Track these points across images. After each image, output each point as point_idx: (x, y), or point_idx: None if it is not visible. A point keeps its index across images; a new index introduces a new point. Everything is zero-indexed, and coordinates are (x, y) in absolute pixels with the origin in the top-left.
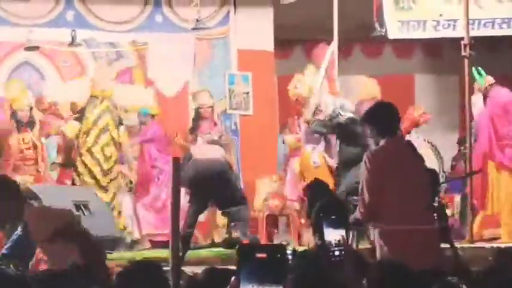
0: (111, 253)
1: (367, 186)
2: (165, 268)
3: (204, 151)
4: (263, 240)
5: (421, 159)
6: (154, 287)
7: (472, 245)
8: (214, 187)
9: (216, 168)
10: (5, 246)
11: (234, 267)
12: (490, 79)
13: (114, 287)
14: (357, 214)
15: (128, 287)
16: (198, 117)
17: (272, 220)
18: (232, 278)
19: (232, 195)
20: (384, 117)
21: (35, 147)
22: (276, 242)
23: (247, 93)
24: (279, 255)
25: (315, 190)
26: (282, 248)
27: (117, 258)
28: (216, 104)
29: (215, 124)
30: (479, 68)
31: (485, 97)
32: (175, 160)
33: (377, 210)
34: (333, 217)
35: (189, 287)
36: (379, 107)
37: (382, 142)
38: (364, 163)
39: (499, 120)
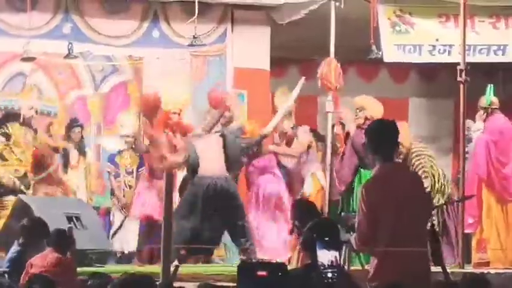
0: (102, 266)
1: (363, 218)
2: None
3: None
4: None
5: (418, 179)
6: None
7: (462, 270)
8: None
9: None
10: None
11: (227, 284)
12: (496, 102)
13: None
14: (352, 242)
15: None
16: None
17: None
18: None
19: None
20: (381, 135)
21: None
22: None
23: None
24: (279, 273)
25: (301, 208)
26: (282, 265)
27: (109, 272)
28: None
29: None
30: (492, 86)
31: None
32: (169, 173)
33: (372, 241)
34: (326, 238)
35: None
36: (379, 123)
37: (375, 169)
38: (360, 194)
39: (495, 145)
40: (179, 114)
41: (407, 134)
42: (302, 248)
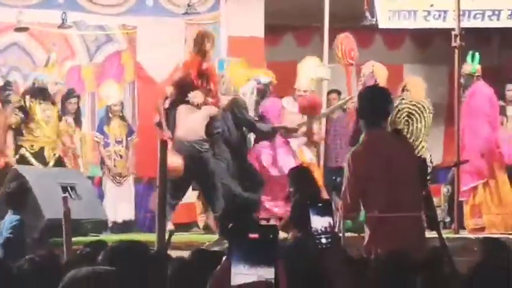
0: (98, 236)
1: (347, 187)
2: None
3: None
4: None
5: (409, 147)
6: (143, 264)
7: (457, 235)
8: None
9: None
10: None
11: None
12: (480, 70)
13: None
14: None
15: (115, 262)
16: None
17: None
18: (224, 258)
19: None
20: (370, 101)
21: None
22: None
23: None
24: (271, 236)
25: (296, 175)
26: (273, 228)
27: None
28: None
29: None
30: (476, 54)
31: (465, 88)
32: (163, 142)
33: (356, 209)
34: (320, 204)
35: (177, 268)
36: (369, 90)
37: (363, 135)
38: (346, 163)
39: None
40: None
41: (421, 90)
42: (292, 224)
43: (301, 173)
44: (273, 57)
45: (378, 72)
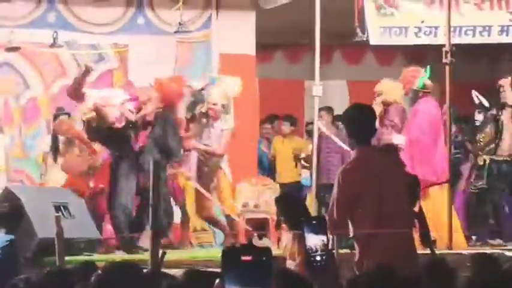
0: (91, 255)
1: (334, 204)
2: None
3: None
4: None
5: (400, 163)
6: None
7: (450, 251)
8: None
9: None
10: None
11: (215, 270)
12: (430, 87)
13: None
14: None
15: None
16: None
17: (251, 224)
18: (217, 281)
19: None
20: (357, 120)
21: None
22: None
23: None
24: (264, 258)
25: (286, 201)
26: (267, 250)
27: (98, 260)
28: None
29: None
30: (430, 68)
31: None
32: (156, 161)
33: (342, 227)
34: (314, 222)
35: None
36: (355, 108)
37: (353, 153)
38: (336, 179)
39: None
40: None
41: (394, 91)
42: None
43: (289, 200)
44: (264, 74)
45: (387, 92)
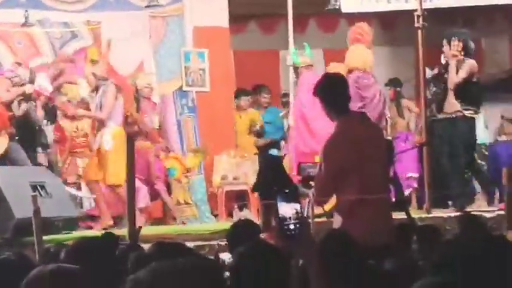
0: (70, 233)
1: (324, 173)
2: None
3: None
4: (223, 217)
5: (377, 130)
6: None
7: (428, 215)
8: None
9: None
10: None
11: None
12: (308, 61)
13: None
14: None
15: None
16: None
17: (231, 196)
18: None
19: None
20: (331, 91)
21: None
22: (235, 218)
23: (203, 69)
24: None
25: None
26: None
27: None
28: (173, 82)
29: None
30: (306, 44)
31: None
32: (130, 137)
33: (328, 195)
34: (286, 191)
35: (137, 260)
36: (328, 79)
37: (335, 124)
38: (323, 150)
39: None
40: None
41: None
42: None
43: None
44: (238, 46)
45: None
